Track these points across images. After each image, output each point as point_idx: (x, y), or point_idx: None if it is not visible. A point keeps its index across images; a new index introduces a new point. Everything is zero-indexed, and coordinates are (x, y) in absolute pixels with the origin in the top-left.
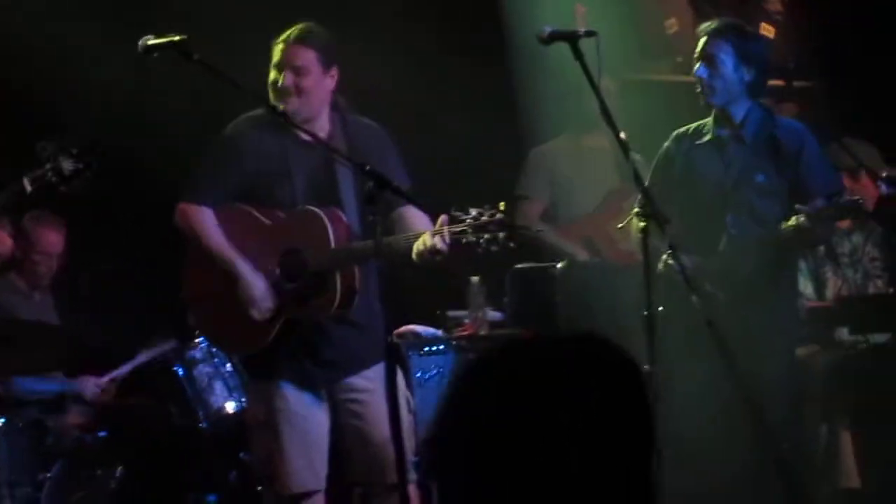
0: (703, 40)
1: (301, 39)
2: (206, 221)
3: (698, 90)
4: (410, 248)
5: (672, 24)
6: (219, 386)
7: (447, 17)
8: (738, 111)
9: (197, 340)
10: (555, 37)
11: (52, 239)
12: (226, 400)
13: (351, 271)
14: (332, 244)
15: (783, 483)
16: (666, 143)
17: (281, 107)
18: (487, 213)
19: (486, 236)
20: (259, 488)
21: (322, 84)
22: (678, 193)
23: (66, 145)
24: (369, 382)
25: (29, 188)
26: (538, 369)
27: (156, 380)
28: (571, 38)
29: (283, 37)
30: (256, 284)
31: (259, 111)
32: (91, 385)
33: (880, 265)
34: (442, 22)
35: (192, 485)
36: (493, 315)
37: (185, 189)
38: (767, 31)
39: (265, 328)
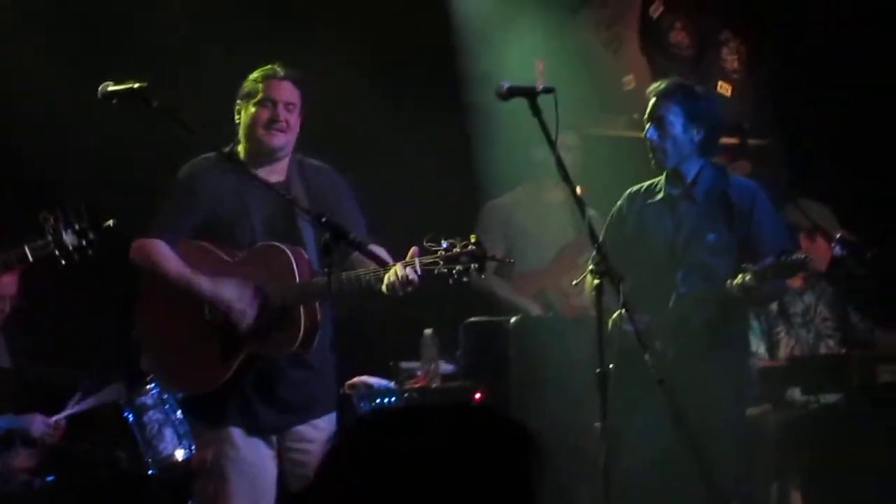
0: (652, 102)
1: (289, 77)
2: (163, 251)
3: (650, 153)
4: (378, 282)
5: (629, 81)
6: (168, 433)
7: (409, 67)
8: (690, 170)
9: (148, 387)
10: (513, 92)
11: (5, 280)
12: (175, 447)
13: (313, 308)
14: (297, 279)
15: None
16: (619, 202)
17: (252, 147)
18: (460, 245)
19: (459, 268)
20: None
21: (299, 122)
22: (630, 251)
23: (69, 218)
24: (318, 432)
25: (31, 258)
26: (414, 439)
27: (105, 425)
28: (530, 95)
29: (266, 73)
30: (226, 288)
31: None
32: (39, 423)
33: (832, 325)
34: (402, 71)
35: None
36: (446, 367)
37: (147, 226)
38: (724, 88)
39: (223, 365)
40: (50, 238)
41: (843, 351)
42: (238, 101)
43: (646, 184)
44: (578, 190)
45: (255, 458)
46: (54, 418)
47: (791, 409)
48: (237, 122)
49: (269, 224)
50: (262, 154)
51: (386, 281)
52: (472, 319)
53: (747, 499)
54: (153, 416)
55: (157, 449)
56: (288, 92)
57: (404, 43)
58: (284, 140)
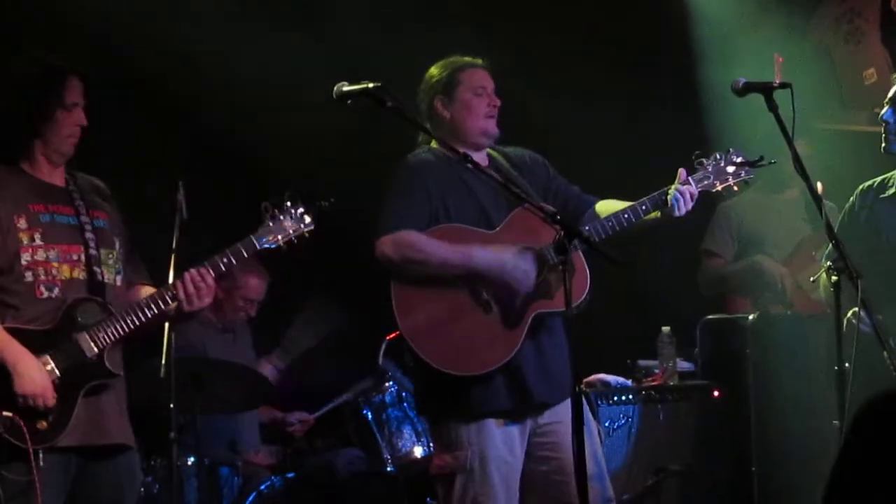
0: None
1: (486, 66)
2: (423, 238)
3: (882, 136)
4: (646, 213)
5: (871, 75)
6: (407, 430)
7: (642, 64)
8: None
9: (387, 384)
10: (749, 88)
11: (256, 284)
12: (414, 444)
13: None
14: None
15: None
16: (851, 198)
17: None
18: (724, 158)
19: (730, 180)
20: None
21: None
22: (862, 248)
23: (285, 204)
24: (561, 426)
25: (259, 246)
26: None
27: (345, 423)
28: (765, 90)
29: (467, 63)
30: (507, 253)
31: (431, 146)
32: (298, 417)
33: None
34: (636, 68)
35: None
36: (683, 365)
37: (384, 222)
38: None
39: (512, 333)
40: (271, 225)
41: None
42: (437, 97)
43: (878, 179)
44: (819, 187)
45: (511, 457)
46: (312, 417)
47: None
48: (437, 116)
49: (496, 200)
50: (475, 144)
51: (669, 201)
52: (710, 317)
53: None
54: (392, 413)
55: (395, 446)
56: (491, 80)
57: (641, 39)
58: (494, 125)
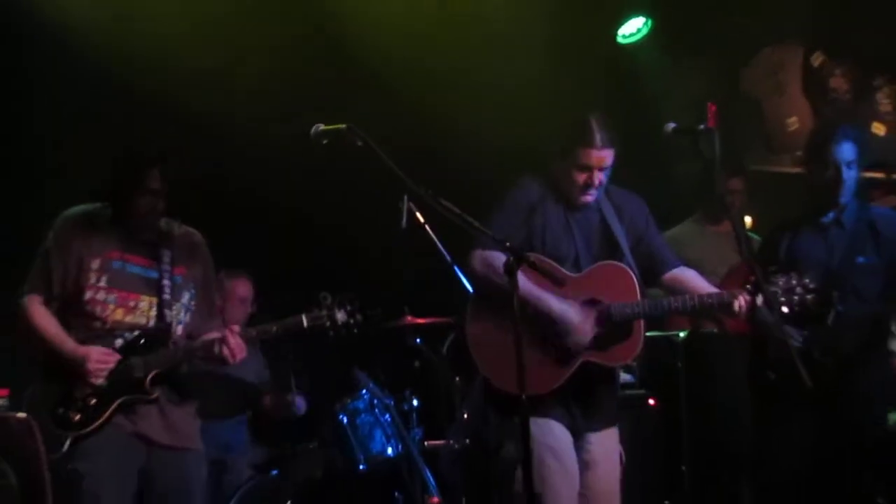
0: (839, 146)
1: (611, 142)
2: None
3: (836, 189)
4: (710, 308)
5: (793, 122)
6: (378, 434)
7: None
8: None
9: (361, 392)
10: (678, 132)
11: (244, 287)
12: (384, 446)
13: (642, 323)
14: (639, 297)
15: None
16: (772, 230)
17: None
18: (795, 278)
19: (795, 299)
20: None
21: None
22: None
23: (343, 300)
24: (597, 446)
25: (306, 325)
26: None
27: (323, 427)
28: (693, 134)
29: (586, 142)
30: (572, 313)
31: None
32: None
33: None
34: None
35: None
36: (625, 377)
37: (483, 235)
38: (878, 129)
39: (558, 371)
40: (325, 313)
41: None
42: (554, 151)
43: (799, 214)
44: (749, 221)
45: (569, 450)
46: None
47: None
48: (553, 161)
49: (589, 243)
50: (567, 200)
51: (735, 305)
52: (647, 333)
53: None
54: (365, 419)
55: (367, 447)
56: (607, 158)
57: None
58: (594, 195)
